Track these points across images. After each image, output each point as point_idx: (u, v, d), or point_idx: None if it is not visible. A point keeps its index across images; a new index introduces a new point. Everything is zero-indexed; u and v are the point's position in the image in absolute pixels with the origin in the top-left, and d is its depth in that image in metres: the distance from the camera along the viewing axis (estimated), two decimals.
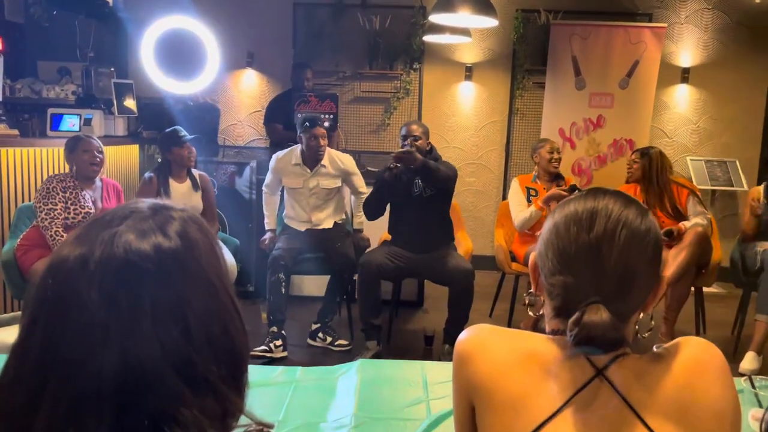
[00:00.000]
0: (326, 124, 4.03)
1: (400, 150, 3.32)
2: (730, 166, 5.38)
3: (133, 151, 4.86)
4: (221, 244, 0.78)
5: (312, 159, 3.71)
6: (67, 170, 3.44)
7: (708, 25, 5.49)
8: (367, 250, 3.79)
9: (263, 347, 3.39)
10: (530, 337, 0.99)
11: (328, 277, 3.75)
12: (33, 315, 0.61)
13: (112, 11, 5.07)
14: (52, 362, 0.59)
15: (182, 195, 3.67)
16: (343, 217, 3.89)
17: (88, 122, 4.35)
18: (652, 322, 1.10)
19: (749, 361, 3.35)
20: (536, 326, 3.42)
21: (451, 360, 1.04)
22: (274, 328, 3.47)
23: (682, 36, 5.51)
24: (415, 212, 3.52)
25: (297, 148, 3.77)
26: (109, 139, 4.48)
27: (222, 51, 5.00)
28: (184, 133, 3.67)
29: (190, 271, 0.64)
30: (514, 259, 3.99)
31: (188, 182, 3.74)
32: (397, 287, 3.90)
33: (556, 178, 3.97)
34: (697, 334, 3.73)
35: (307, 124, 3.66)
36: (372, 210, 3.58)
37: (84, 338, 0.59)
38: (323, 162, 3.74)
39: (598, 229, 0.93)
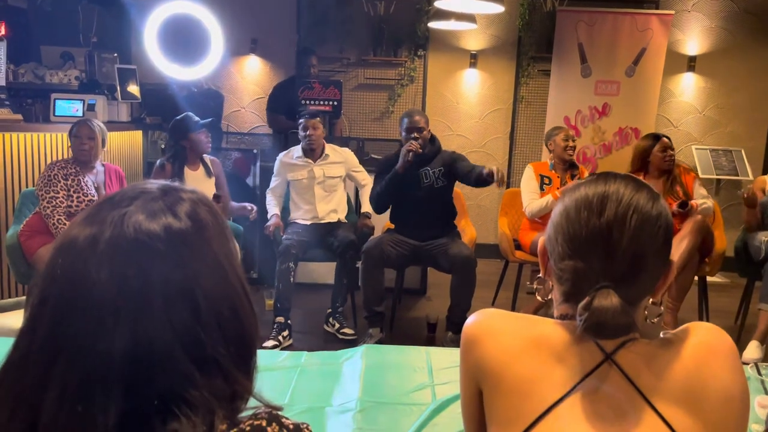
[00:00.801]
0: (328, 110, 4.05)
1: (411, 147, 3.35)
2: (735, 155, 5.35)
3: (136, 136, 4.85)
4: None
5: (308, 149, 3.77)
6: (69, 155, 3.42)
7: (715, 12, 5.44)
8: (370, 237, 3.80)
9: (273, 342, 3.40)
10: (538, 322, 0.99)
11: (333, 265, 3.76)
12: (42, 295, 0.61)
13: None
14: (61, 342, 0.59)
15: (197, 182, 3.65)
16: (346, 214, 3.90)
17: (91, 107, 4.34)
18: (661, 308, 1.10)
19: (752, 350, 3.35)
20: (536, 314, 3.43)
21: (453, 346, 1.03)
22: (281, 318, 3.49)
23: (689, 24, 5.47)
24: (420, 201, 3.52)
25: (299, 146, 3.85)
26: (113, 125, 4.47)
27: (226, 37, 4.98)
28: (197, 118, 3.64)
29: (200, 253, 0.64)
30: (518, 247, 3.98)
31: (201, 169, 3.73)
32: (400, 275, 3.90)
33: (570, 166, 3.94)
34: None
35: (301, 118, 3.81)
36: (383, 204, 3.58)
37: (93, 318, 0.58)
38: (326, 152, 3.81)
39: (609, 214, 0.92)
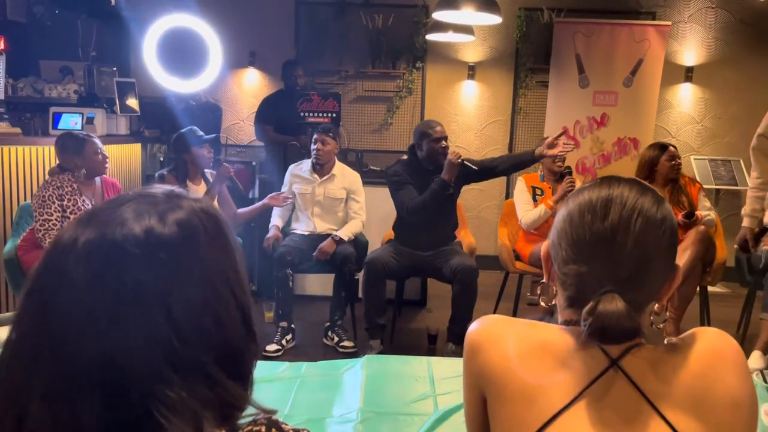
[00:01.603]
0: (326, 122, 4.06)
1: (456, 154, 3.39)
2: (734, 165, 5.36)
3: (135, 149, 4.85)
4: None
5: (316, 164, 3.79)
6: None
7: (712, 23, 5.47)
8: (372, 249, 3.79)
9: (276, 346, 3.44)
10: (543, 328, 0.98)
11: (331, 276, 3.75)
12: (30, 287, 0.62)
13: (114, 10, 5.07)
14: (42, 340, 0.59)
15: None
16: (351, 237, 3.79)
17: (90, 121, 4.34)
18: (667, 313, 1.09)
19: (755, 360, 3.33)
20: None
21: (454, 357, 1.02)
22: (284, 323, 3.54)
23: (686, 35, 5.50)
24: (444, 207, 3.52)
25: (309, 159, 3.87)
26: (112, 138, 4.47)
27: (224, 50, 5.00)
28: (201, 132, 3.62)
29: (182, 260, 0.63)
30: (517, 258, 3.97)
31: (203, 184, 3.70)
32: (400, 286, 3.88)
33: (561, 177, 3.94)
34: None
35: (313, 131, 3.83)
36: (427, 212, 3.49)
37: (71, 316, 0.59)
38: (334, 171, 3.82)
39: (613, 217, 0.91)
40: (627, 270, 0.90)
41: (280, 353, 3.43)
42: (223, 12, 5.27)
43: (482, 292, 3.58)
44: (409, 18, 5.45)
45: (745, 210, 3.74)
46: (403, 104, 5.65)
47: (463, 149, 5.67)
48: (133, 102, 4.78)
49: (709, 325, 3.87)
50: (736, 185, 5.29)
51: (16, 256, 3.24)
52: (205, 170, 3.75)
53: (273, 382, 1.86)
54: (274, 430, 0.64)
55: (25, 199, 3.65)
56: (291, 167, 3.93)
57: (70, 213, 3.19)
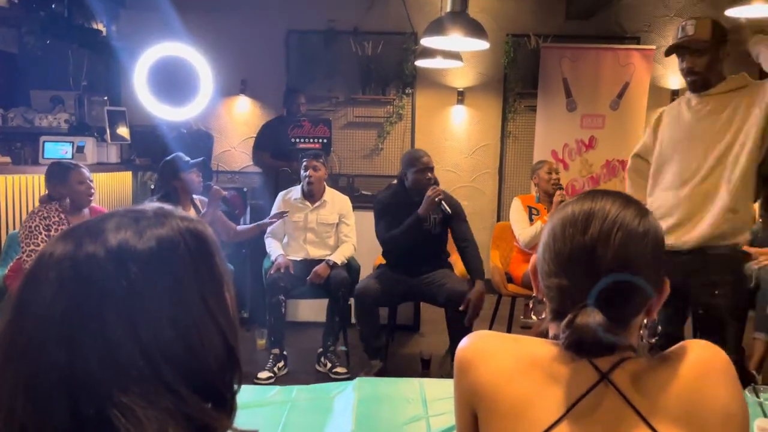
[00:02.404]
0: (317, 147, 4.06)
1: (436, 192, 3.36)
2: None
3: (126, 178, 4.85)
4: None
5: (307, 192, 3.78)
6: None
7: None
8: (363, 273, 3.78)
9: (268, 373, 3.41)
10: (532, 342, 0.97)
11: (323, 302, 3.74)
12: (15, 295, 0.63)
13: (105, 40, 5.12)
14: (14, 344, 0.60)
15: None
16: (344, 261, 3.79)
17: (80, 149, 4.35)
18: (659, 328, 1.08)
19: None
20: None
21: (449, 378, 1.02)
22: (276, 350, 3.50)
23: (671, 59, 5.54)
24: (417, 242, 3.48)
25: (299, 186, 3.86)
26: (102, 167, 4.48)
27: (215, 78, 5.03)
28: (187, 158, 3.61)
29: (153, 276, 0.63)
30: (510, 280, 3.97)
31: (192, 210, 3.69)
32: (392, 311, 3.87)
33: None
34: None
35: (304, 158, 3.81)
36: (399, 247, 3.49)
37: (38, 323, 0.60)
38: (325, 197, 3.81)
39: (593, 231, 0.91)
40: (607, 283, 0.90)
41: (272, 380, 3.39)
42: (214, 40, 5.32)
43: None
44: (398, 45, 5.52)
45: None
46: (394, 129, 5.69)
47: (453, 173, 5.71)
48: (123, 130, 4.79)
49: None
50: None
51: (4, 284, 3.22)
52: (195, 196, 3.74)
53: (264, 407, 1.84)
54: None
55: (14, 228, 3.63)
56: (281, 194, 3.92)
57: None
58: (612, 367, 0.90)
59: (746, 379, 0.99)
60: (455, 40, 3.64)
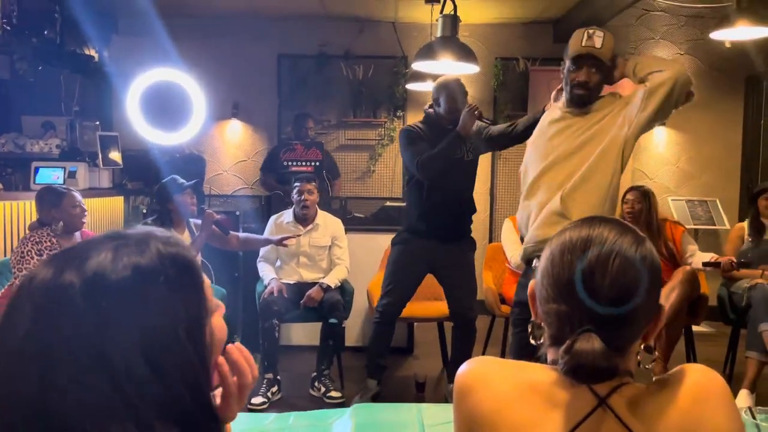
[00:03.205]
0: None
1: (473, 109, 3.13)
2: (711, 206, 5.45)
3: (117, 202, 4.83)
4: None
5: (300, 216, 3.78)
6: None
7: None
8: (357, 295, 3.78)
9: (261, 398, 3.38)
10: (531, 368, 0.98)
11: (317, 325, 3.72)
12: None
13: (97, 66, 5.13)
14: None
15: None
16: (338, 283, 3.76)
17: (72, 175, 4.33)
18: (656, 353, 1.09)
19: (742, 399, 3.32)
20: None
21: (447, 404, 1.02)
22: (270, 375, 3.47)
23: None
24: (449, 176, 3.25)
25: (290, 210, 3.86)
26: (94, 191, 4.46)
27: (207, 102, 5.05)
28: (182, 180, 3.61)
29: (126, 308, 0.61)
30: (503, 301, 3.97)
31: (187, 233, 3.68)
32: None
33: None
34: None
35: (297, 182, 3.81)
36: (437, 168, 3.19)
37: (9, 353, 0.59)
38: (317, 220, 3.82)
39: (591, 257, 0.93)
40: (606, 309, 0.91)
41: (266, 406, 3.36)
42: (206, 64, 5.35)
43: None
44: (388, 68, 5.57)
45: None
46: (385, 152, 5.72)
47: None
48: (115, 155, 4.79)
49: None
50: (714, 225, 5.37)
51: None
52: (190, 219, 3.74)
53: None
54: None
55: (5, 255, 3.60)
56: (273, 218, 3.92)
57: None
58: (610, 392, 0.91)
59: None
60: (446, 64, 3.69)
